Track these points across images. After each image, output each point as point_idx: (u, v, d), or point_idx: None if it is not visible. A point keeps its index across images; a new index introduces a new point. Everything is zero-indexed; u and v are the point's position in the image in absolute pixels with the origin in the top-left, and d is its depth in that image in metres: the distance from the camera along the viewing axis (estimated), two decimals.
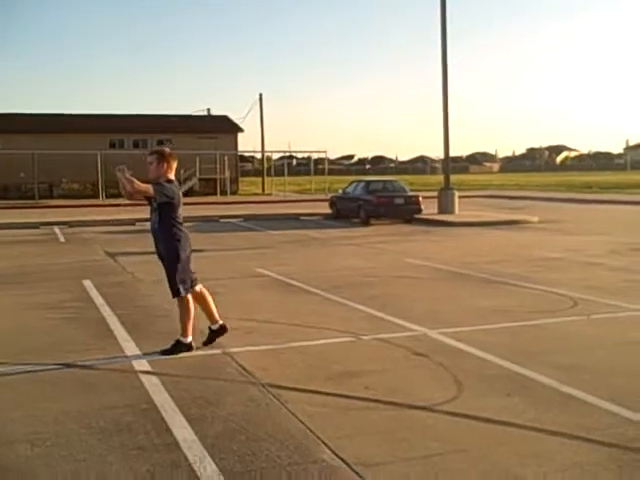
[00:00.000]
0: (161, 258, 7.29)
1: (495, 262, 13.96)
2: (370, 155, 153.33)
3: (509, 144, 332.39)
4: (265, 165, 60.33)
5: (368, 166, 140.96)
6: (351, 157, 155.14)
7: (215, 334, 7.48)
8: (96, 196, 41.62)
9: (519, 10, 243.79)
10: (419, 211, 24.26)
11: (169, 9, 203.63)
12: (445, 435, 4.90)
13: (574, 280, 11.55)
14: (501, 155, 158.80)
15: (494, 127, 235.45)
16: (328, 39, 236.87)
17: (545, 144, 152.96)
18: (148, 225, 7.59)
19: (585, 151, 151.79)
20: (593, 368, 6.56)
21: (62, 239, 20.48)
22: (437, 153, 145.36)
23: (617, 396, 5.68)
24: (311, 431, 4.95)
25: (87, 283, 11.80)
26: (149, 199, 7.08)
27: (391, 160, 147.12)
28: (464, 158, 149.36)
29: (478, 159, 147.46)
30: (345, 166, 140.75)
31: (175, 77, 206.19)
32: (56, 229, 23.36)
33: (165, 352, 7.06)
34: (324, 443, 4.73)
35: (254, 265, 13.67)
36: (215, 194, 46.43)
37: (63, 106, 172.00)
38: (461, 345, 7.37)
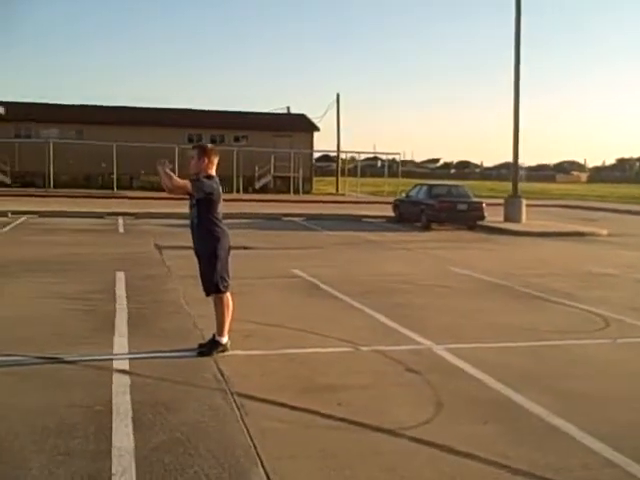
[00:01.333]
0: (197, 255, 7.15)
1: (543, 275, 13.37)
2: (455, 160, 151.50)
3: (599, 153, 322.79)
4: (347, 165, 60.08)
5: (453, 170, 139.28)
6: (437, 161, 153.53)
7: (216, 345, 7.12)
8: None
9: (610, 10, 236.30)
10: (482, 218, 23.61)
11: (251, 9, 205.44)
12: (395, 464, 4.55)
13: (618, 299, 10.91)
14: (590, 165, 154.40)
15: (585, 135, 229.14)
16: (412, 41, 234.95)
17: (636, 155, 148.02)
18: None
19: None
20: (595, 398, 6.08)
21: (121, 230, 20.75)
22: (522, 160, 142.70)
23: (608, 433, 5.20)
24: (255, 448, 4.68)
25: (120, 275, 11.79)
26: (190, 195, 6.93)
27: (476, 165, 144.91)
28: (552, 166, 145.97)
29: (566, 168, 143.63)
30: (430, 169, 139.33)
31: (258, 76, 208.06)
32: (120, 220, 23.70)
33: (202, 353, 6.91)
34: (262, 464, 4.45)
35: (292, 266, 13.45)
36: (288, 192, 46.46)
37: (142, 101, 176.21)
38: (462, 363, 6.97)
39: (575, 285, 12.24)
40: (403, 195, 27.34)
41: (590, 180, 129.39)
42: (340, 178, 56.15)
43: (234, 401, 5.63)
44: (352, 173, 57.66)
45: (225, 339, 7.03)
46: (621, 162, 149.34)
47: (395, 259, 15.49)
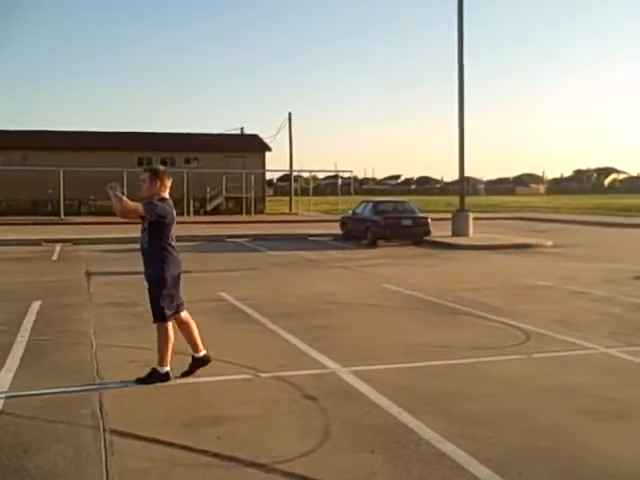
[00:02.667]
0: (146, 281, 6.92)
1: (476, 290, 13.16)
2: (416, 176, 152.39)
3: (557, 166, 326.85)
4: (310, 185, 59.84)
5: (413, 186, 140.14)
6: (397, 177, 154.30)
7: (198, 363, 7.10)
8: None
9: (569, 28, 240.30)
10: (428, 233, 23.44)
11: (206, 28, 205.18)
12: None
13: (546, 312, 10.73)
14: (549, 177, 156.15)
15: (543, 148, 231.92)
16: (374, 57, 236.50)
17: (594, 166, 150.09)
18: None
19: (635, 173, 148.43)
20: (490, 420, 5.82)
21: (55, 257, 20.19)
22: (481, 174, 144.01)
23: (496, 457, 4.95)
24: None
25: (36, 304, 11.34)
26: (143, 217, 6.74)
27: (437, 181, 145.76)
28: (511, 179, 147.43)
29: (525, 180, 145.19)
30: (391, 186, 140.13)
31: (211, 97, 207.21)
32: (57, 246, 23.10)
33: (140, 380, 6.72)
34: None
35: (220, 288, 13.09)
36: (241, 213, 46.06)
37: (92, 124, 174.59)
38: (364, 387, 6.67)
39: (506, 299, 12.05)
40: (350, 212, 27.12)
41: (548, 192, 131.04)
42: (297, 197, 55.89)
43: (104, 439, 5.26)
44: (315, 192, 57.61)
45: (166, 369, 6.81)
46: (578, 173, 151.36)
47: (330, 278, 15.20)
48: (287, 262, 18.57)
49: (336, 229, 27.48)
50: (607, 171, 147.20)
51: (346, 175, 60.17)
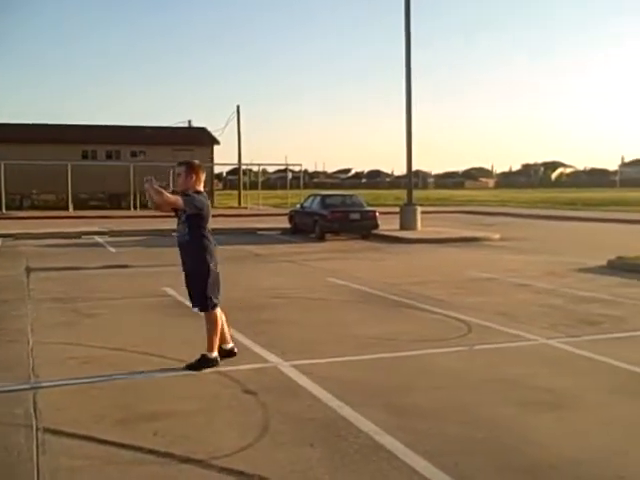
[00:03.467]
0: (187, 272, 7.17)
1: (422, 283, 13.23)
2: (367, 169, 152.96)
3: (506, 160, 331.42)
4: (259, 178, 59.52)
5: (364, 180, 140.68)
6: (348, 171, 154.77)
7: (223, 354, 7.24)
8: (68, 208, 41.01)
9: (518, 26, 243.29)
10: (376, 226, 23.52)
11: (155, 17, 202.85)
12: None
13: (489, 304, 10.82)
14: (497, 171, 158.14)
15: (492, 142, 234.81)
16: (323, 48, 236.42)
17: (541, 160, 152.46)
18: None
19: (581, 167, 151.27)
20: (434, 412, 5.83)
21: None
22: (431, 168, 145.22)
23: (433, 449, 4.96)
24: None
25: None
26: (176, 211, 6.98)
27: (387, 174, 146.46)
28: (460, 173, 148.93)
29: (474, 174, 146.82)
30: (341, 180, 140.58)
31: (160, 90, 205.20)
32: None
33: (190, 367, 6.93)
34: None
35: (166, 283, 12.90)
36: None
37: (37, 117, 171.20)
38: (305, 381, 6.64)
39: (450, 292, 12.13)
40: (298, 206, 27.08)
41: (497, 186, 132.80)
42: (246, 191, 55.66)
43: (36, 439, 5.13)
44: (265, 186, 57.33)
45: (215, 354, 7.04)
46: (526, 167, 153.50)
47: (277, 272, 15.15)
48: (234, 256, 18.43)
49: (285, 223, 27.43)
50: (554, 165, 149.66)
51: (296, 169, 60.15)
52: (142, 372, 6.95)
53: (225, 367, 7.11)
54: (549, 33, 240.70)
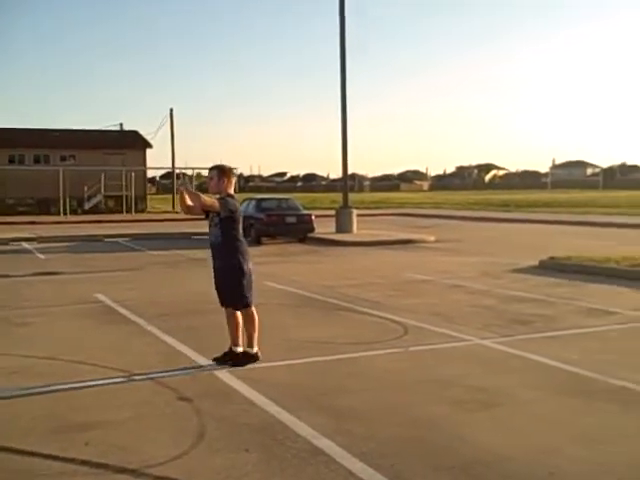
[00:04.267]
0: (219, 273, 7.38)
1: (358, 285, 13.28)
2: (302, 172, 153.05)
3: (440, 163, 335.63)
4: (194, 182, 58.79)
5: (299, 183, 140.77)
6: (284, 174, 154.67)
7: (226, 357, 7.38)
8: None
9: (447, 31, 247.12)
10: (312, 230, 23.55)
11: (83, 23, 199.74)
12: None
13: (425, 306, 10.92)
14: (432, 173, 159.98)
15: (427, 145, 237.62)
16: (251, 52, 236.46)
17: (475, 163, 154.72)
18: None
19: (513, 169, 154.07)
20: (370, 414, 5.85)
21: None
22: (367, 171, 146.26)
23: (370, 451, 4.96)
24: None
25: None
26: (207, 213, 7.21)
27: (323, 178, 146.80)
28: (395, 176, 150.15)
29: (409, 177, 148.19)
30: (277, 183, 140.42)
31: (90, 93, 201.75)
32: None
33: (235, 364, 7.21)
34: None
35: (97, 290, 12.69)
36: (121, 212, 44.91)
37: None
38: (242, 386, 6.59)
39: (387, 294, 12.20)
40: None
41: (432, 188, 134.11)
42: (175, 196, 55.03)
43: None
44: (200, 189, 56.49)
45: (255, 349, 7.37)
46: (460, 170, 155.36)
47: (211, 277, 14.92)
48: (168, 261, 18.26)
49: None
50: (487, 167, 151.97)
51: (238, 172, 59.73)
52: (74, 381, 6.78)
53: (159, 374, 7.01)
54: (479, 31, 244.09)
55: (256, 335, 7.38)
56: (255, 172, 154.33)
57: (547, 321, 9.70)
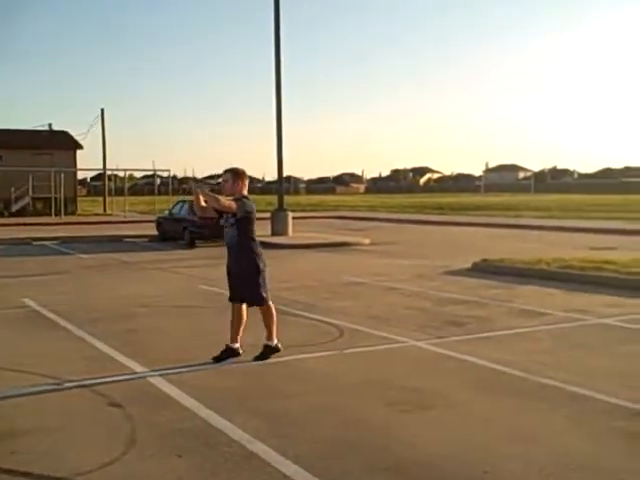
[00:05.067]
0: (233, 272, 7.65)
1: (294, 288, 13.22)
2: None
3: (376, 166, 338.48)
4: (125, 184, 57.90)
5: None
6: (218, 176, 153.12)
7: (228, 353, 7.62)
8: None
9: (384, 29, 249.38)
10: None
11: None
12: None
13: (360, 308, 10.95)
14: (368, 176, 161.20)
15: (363, 149, 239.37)
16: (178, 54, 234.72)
17: (410, 166, 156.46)
18: None
19: (448, 173, 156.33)
20: (305, 417, 5.83)
21: None
22: (303, 174, 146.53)
23: (305, 454, 4.93)
24: None
25: None
26: (221, 214, 7.46)
27: (259, 180, 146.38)
28: (331, 179, 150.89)
29: (345, 180, 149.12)
30: (211, 185, 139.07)
31: (17, 92, 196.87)
32: None
33: (258, 358, 7.59)
34: None
35: (24, 294, 12.33)
36: (50, 214, 43.78)
37: None
38: (174, 391, 6.48)
39: (322, 296, 12.19)
40: (166, 212, 26.56)
41: (367, 191, 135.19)
42: (112, 197, 54.18)
43: None
44: (133, 192, 55.89)
45: (275, 342, 7.76)
46: (396, 173, 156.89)
47: (144, 280, 14.78)
48: (99, 265, 17.91)
49: (153, 230, 26.82)
50: (422, 171, 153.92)
51: (165, 174, 59.05)
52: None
53: (89, 380, 6.84)
54: (411, 41, 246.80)
55: (275, 328, 7.75)
56: (189, 174, 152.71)
57: (481, 322, 9.81)
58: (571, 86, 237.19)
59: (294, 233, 26.16)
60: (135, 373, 7.15)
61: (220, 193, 7.61)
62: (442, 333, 9.09)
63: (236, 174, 7.60)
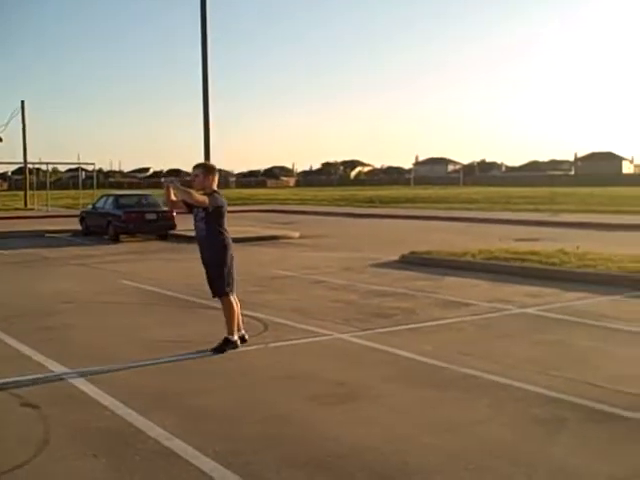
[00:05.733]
0: (205, 264, 7.83)
1: None
2: (166, 168, 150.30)
3: (307, 159, 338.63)
4: (49, 178, 56.43)
5: (163, 179, 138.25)
6: (146, 170, 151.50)
7: (225, 344, 7.69)
8: None
9: (309, 21, 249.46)
10: (173, 227, 22.90)
11: None
12: None
13: (286, 301, 10.89)
14: (299, 169, 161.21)
15: (294, 141, 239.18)
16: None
17: (340, 159, 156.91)
18: None
19: (378, 166, 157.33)
20: (226, 412, 5.77)
21: None
22: (232, 167, 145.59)
23: (226, 451, 4.89)
24: None
25: None
26: (190, 207, 7.64)
27: (187, 173, 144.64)
28: (262, 172, 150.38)
29: (276, 173, 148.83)
30: (139, 179, 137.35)
31: None
32: None
33: (215, 350, 7.54)
34: None
35: None
36: None
37: None
38: (92, 389, 6.32)
39: (248, 290, 11.99)
40: (90, 207, 26.01)
41: (298, 184, 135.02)
42: (34, 192, 52.72)
43: None
44: (57, 186, 54.42)
45: (235, 337, 7.71)
46: (326, 166, 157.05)
47: (66, 276, 14.40)
48: (19, 261, 17.40)
49: (77, 225, 26.17)
50: (353, 164, 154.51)
51: (90, 168, 57.72)
52: None
53: (3, 380, 6.60)
54: (335, 35, 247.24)
55: (235, 323, 7.76)
56: (115, 167, 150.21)
57: (406, 314, 9.86)
58: (498, 80, 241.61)
59: None
60: (53, 372, 6.93)
61: (190, 187, 7.68)
62: (368, 325, 9.10)
63: (207, 169, 7.85)
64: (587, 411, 5.73)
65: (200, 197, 7.47)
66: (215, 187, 7.76)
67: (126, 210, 22.60)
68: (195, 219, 7.76)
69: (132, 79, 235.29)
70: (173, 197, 7.69)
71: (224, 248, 7.73)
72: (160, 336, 8.55)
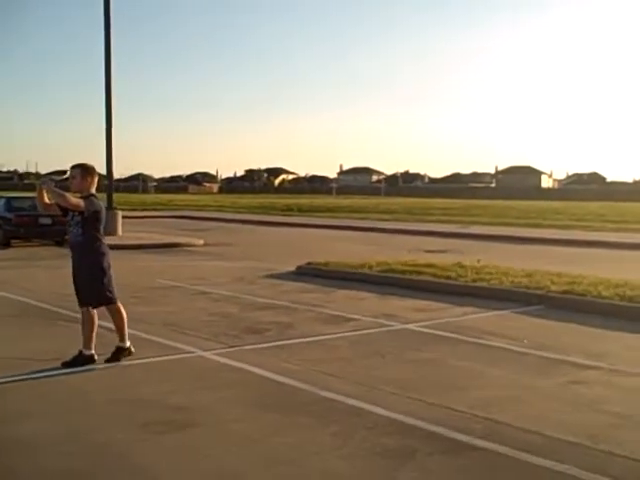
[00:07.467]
0: (77, 271, 7.29)
1: None
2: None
3: (231, 165, 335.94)
4: None
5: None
6: (63, 172, 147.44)
7: (123, 352, 7.47)
8: None
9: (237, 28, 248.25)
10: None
11: None
12: None
13: (161, 314, 10.30)
14: (223, 176, 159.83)
15: (217, 148, 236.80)
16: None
17: (264, 166, 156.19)
18: None
19: (302, 174, 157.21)
20: (42, 442, 5.21)
21: None
22: (152, 171, 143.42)
23: None
24: None
25: None
26: (65, 211, 7.21)
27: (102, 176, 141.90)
28: (184, 178, 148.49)
29: (199, 179, 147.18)
30: (57, 182, 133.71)
31: None
32: None
33: (67, 364, 7.07)
34: None
35: None
36: None
37: None
38: None
39: (126, 301, 11.16)
40: None
41: (221, 191, 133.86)
42: None
43: None
44: None
45: (91, 351, 7.25)
46: (250, 173, 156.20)
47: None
48: None
49: None
50: (277, 171, 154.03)
51: (4, 169, 55.90)
52: None
53: None
54: (272, 20, 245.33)
55: (126, 329, 7.48)
56: (32, 169, 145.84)
57: (281, 329, 9.39)
58: (426, 93, 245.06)
59: (125, 233, 25.03)
60: None
61: (68, 190, 7.22)
62: (236, 342, 8.59)
63: (85, 170, 7.34)
64: (439, 440, 5.35)
65: (74, 200, 7.05)
66: (94, 190, 7.35)
67: (17, 213, 21.49)
68: (70, 224, 7.29)
69: (45, 82, 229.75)
70: (46, 200, 7.26)
71: (102, 255, 7.29)
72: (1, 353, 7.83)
